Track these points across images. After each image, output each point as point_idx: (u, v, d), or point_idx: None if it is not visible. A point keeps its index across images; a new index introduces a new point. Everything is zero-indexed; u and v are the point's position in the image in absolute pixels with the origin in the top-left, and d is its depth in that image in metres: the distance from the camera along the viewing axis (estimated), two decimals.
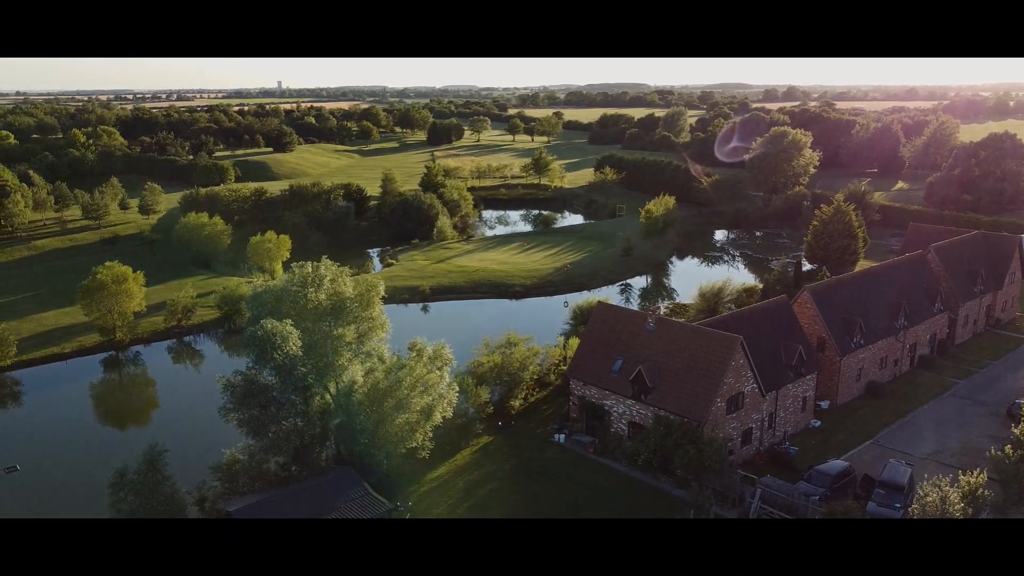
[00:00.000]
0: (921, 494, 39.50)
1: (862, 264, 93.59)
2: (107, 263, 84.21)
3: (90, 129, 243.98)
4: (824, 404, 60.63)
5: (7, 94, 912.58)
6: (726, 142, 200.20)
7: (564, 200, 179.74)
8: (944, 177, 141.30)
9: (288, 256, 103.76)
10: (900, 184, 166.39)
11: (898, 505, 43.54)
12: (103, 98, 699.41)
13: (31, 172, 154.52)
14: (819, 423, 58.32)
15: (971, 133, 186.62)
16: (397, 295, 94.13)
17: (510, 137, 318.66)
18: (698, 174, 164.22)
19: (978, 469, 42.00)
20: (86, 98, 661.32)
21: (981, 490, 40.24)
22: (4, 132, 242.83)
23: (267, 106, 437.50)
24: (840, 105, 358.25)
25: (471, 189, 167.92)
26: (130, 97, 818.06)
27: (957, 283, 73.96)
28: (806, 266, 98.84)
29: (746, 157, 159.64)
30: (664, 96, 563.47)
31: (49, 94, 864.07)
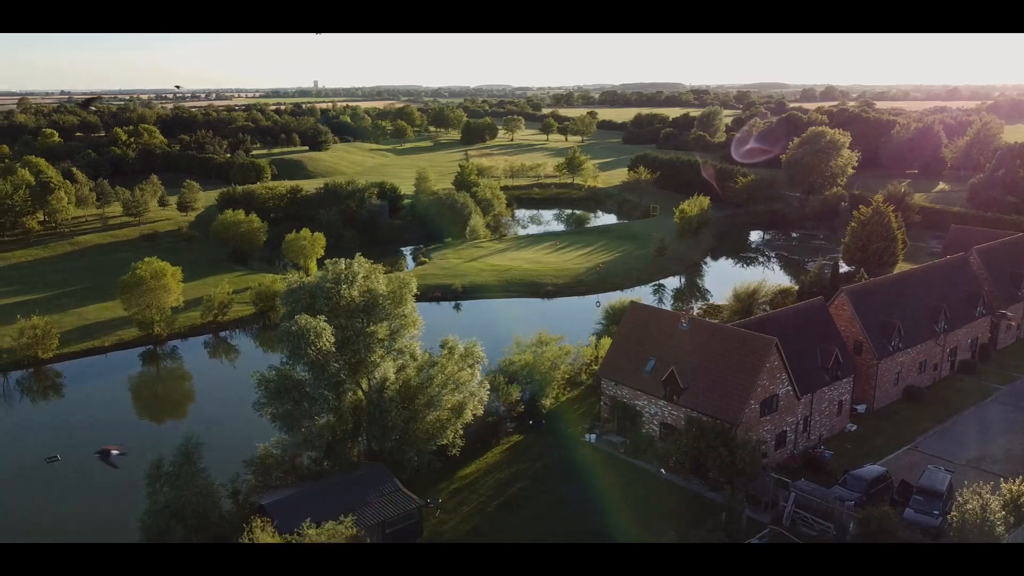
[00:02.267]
0: (961, 501, 38.60)
1: (901, 266, 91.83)
2: (146, 259, 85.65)
3: (131, 127, 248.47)
4: (861, 408, 59.54)
5: (51, 93, 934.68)
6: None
7: (597, 200, 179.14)
8: (987, 178, 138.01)
9: (322, 253, 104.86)
10: (941, 185, 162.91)
11: (936, 512, 42.49)
12: (144, 97, 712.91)
13: (74, 169, 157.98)
14: (855, 427, 57.29)
15: (1016, 133, 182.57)
16: (429, 293, 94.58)
17: (544, 136, 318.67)
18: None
19: (1021, 477, 40.91)
20: (128, 97, 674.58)
21: None
22: (48, 130, 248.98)
23: (303, 105, 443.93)
24: (880, 105, 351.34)
25: (504, 188, 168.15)
26: (170, 96, 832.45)
27: (1000, 286, 72.21)
28: (843, 268, 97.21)
29: (782, 157, 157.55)
30: (700, 95, 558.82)
31: (92, 93, 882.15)
